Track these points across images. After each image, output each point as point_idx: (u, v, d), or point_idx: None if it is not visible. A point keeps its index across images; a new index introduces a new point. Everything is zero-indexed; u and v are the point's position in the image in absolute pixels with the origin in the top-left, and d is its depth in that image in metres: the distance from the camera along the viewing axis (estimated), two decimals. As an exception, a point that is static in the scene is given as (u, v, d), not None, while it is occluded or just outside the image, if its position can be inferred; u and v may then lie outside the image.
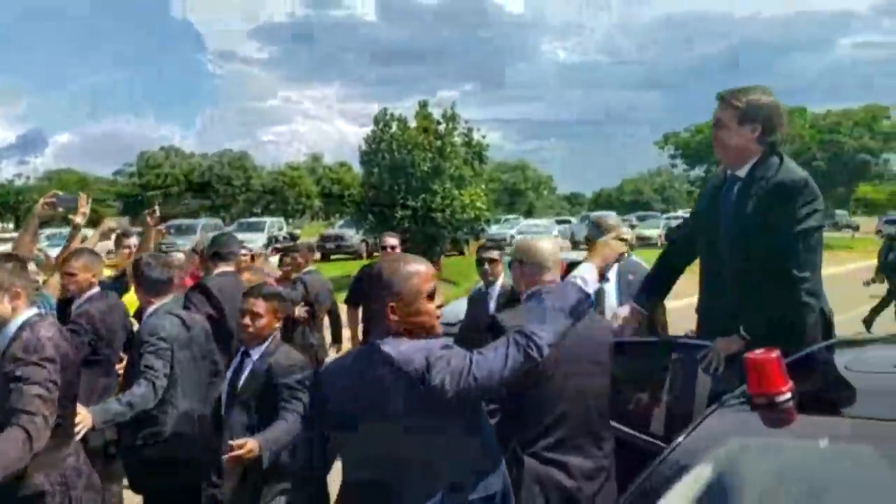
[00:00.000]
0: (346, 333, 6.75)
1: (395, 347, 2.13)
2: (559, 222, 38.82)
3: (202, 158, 59.52)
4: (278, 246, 17.20)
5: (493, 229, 27.46)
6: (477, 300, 5.03)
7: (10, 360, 2.54)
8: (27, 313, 2.69)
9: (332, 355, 6.18)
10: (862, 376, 2.09)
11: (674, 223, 29.08)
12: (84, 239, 4.90)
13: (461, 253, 23.02)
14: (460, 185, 19.44)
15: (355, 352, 2.44)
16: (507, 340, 2.12)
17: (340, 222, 31.03)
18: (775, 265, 2.82)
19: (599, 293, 4.14)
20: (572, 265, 4.06)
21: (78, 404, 2.92)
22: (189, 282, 5.50)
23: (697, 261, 3.29)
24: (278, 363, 3.35)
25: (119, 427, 3.54)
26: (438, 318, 2.25)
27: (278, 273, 6.79)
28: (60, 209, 4.06)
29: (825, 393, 2.17)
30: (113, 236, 5.69)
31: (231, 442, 3.10)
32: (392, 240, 5.95)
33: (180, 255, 6.99)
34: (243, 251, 6.33)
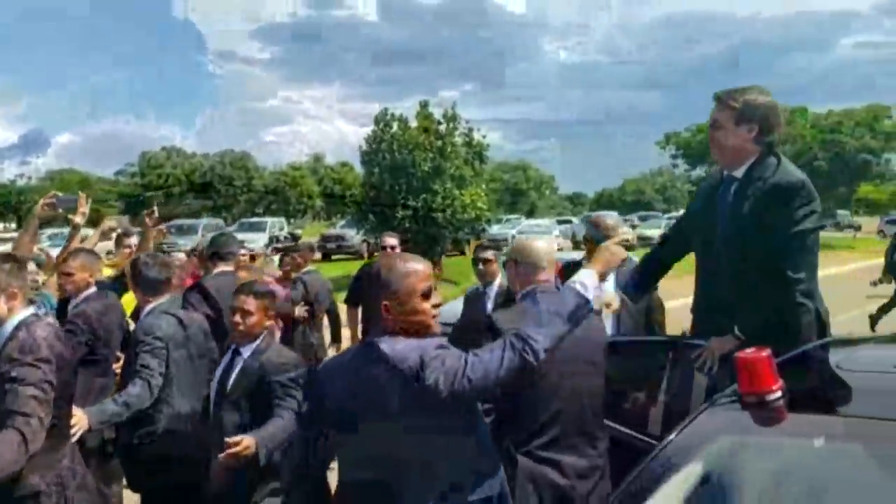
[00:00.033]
0: (345, 333, 6.78)
1: (391, 346, 2.14)
2: (560, 222, 38.79)
3: (204, 159, 59.53)
4: (278, 246, 17.23)
5: (495, 229, 27.47)
6: (473, 300, 5.04)
7: (6, 360, 2.54)
8: (23, 313, 2.69)
9: (331, 355, 6.19)
10: (853, 375, 2.10)
11: (675, 223, 28.96)
12: (84, 239, 4.92)
13: (462, 253, 23.02)
14: (461, 185, 19.45)
15: (353, 350, 2.45)
16: (503, 343, 2.12)
17: (342, 222, 31.04)
18: (771, 266, 2.82)
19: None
20: (568, 265, 4.11)
21: (74, 406, 2.92)
22: (189, 282, 5.52)
23: (694, 261, 3.30)
24: (270, 361, 3.34)
25: (116, 426, 3.55)
26: (434, 317, 2.25)
27: (277, 273, 6.81)
28: (60, 210, 4.08)
29: (816, 392, 2.18)
30: (113, 236, 5.71)
31: (228, 439, 3.09)
32: (392, 240, 5.96)
33: (181, 256, 7.02)
34: (242, 251, 6.35)
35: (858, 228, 47.32)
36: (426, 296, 2.23)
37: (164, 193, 53.05)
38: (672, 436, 1.97)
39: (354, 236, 25.20)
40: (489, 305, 4.73)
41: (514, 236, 27.81)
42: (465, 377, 2.03)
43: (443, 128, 19.87)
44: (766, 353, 1.92)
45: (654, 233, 31.19)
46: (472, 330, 4.60)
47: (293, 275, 6.50)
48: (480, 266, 5.00)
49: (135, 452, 3.55)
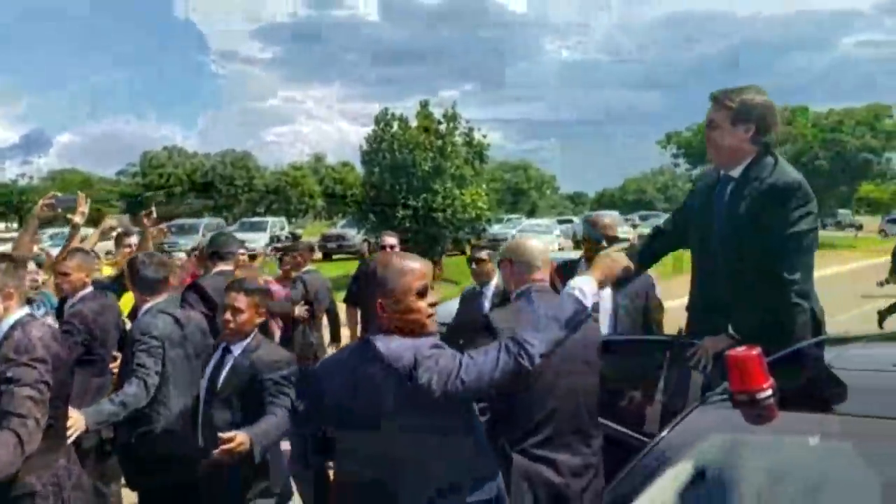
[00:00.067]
0: (344, 333, 6.79)
1: (386, 344, 2.14)
2: (561, 222, 38.73)
3: (205, 158, 59.49)
4: (278, 245, 17.25)
5: (495, 229, 27.47)
6: (469, 299, 5.04)
7: (2, 360, 2.53)
8: (19, 313, 2.68)
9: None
10: (844, 374, 2.12)
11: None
12: (83, 239, 4.94)
13: (463, 253, 23.01)
14: (461, 185, 19.49)
15: (350, 347, 2.44)
16: (499, 345, 2.11)
17: (342, 222, 31.07)
18: (767, 267, 2.82)
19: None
20: (563, 265, 4.12)
21: (71, 407, 2.92)
22: (189, 282, 5.55)
23: (689, 261, 3.30)
24: (261, 359, 3.32)
25: (115, 425, 3.55)
26: (430, 316, 2.25)
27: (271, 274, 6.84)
28: (59, 210, 4.09)
29: (807, 390, 2.20)
30: (113, 235, 5.73)
31: (221, 434, 3.06)
32: (391, 239, 5.97)
33: (182, 255, 7.04)
34: (241, 251, 6.37)
35: (860, 228, 47.29)
36: (422, 294, 2.22)
37: (165, 193, 53.10)
38: (663, 434, 1.99)
39: (355, 236, 25.22)
40: (486, 305, 4.73)
41: (514, 236, 27.80)
42: (459, 378, 2.03)
43: (443, 127, 19.90)
44: (756, 351, 1.94)
45: (657, 232, 31.15)
46: (467, 329, 4.62)
47: (293, 274, 6.52)
48: (475, 266, 5.01)
49: (133, 451, 3.56)
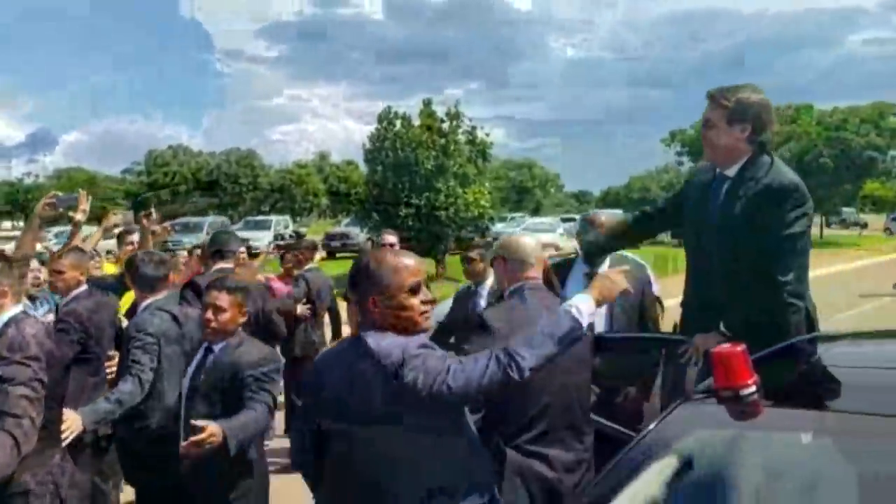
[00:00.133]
0: (346, 331, 6.81)
1: (378, 341, 2.14)
2: (565, 220, 38.70)
3: (210, 157, 59.60)
4: (280, 243, 17.29)
5: (499, 227, 27.49)
6: (463, 298, 5.03)
7: None
8: (13, 311, 2.66)
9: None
10: (830, 371, 2.14)
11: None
12: (86, 237, 4.97)
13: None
14: (464, 184, 19.50)
15: (345, 342, 2.43)
16: (490, 355, 2.11)
17: (346, 220, 31.11)
18: (761, 267, 2.82)
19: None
20: (557, 265, 4.15)
21: (68, 408, 2.92)
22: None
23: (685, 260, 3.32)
24: (243, 356, 3.28)
25: (113, 422, 3.56)
26: (423, 314, 2.23)
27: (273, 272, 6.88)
28: (61, 209, 4.11)
29: (792, 386, 2.22)
30: (116, 232, 5.76)
31: (193, 422, 3.00)
32: (391, 237, 5.99)
33: (183, 253, 7.08)
34: (241, 249, 6.41)
35: (865, 226, 47.19)
36: (414, 291, 2.21)
37: (170, 191, 53.21)
38: (648, 429, 2.01)
39: (359, 234, 25.24)
40: (481, 304, 4.69)
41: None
42: (446, 383, 2.03)
43: (446, 126, 19.91)
44: (740, 348, 1.96)
45: (659, 230, 31.12)
46: (457, 328, 4.63)
47: (295, 272, 6.56)
48: (467, 265, 5.02)
49: (130, 447, 3.59)
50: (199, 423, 2.99)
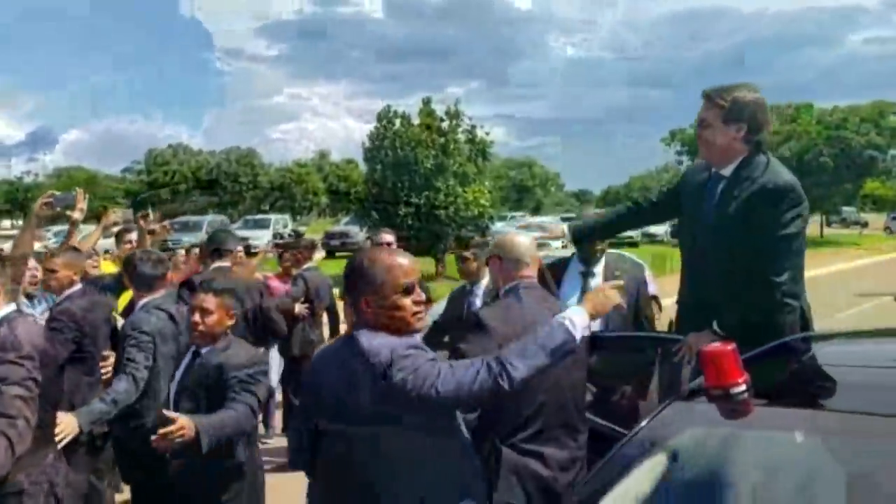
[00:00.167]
0: (344, 329, 6.83)
1: (370, 340, 2.13)
2: (565, 219, 38.73)
3: (210, 156, 59.62)
4: (279, 242, 17.31)
5: (498, 226, 27.52)
6: (458, 297, 5.02)
7: None
8: (5, 310, 2.62)
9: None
10: (821, 370, 2.15)
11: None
12: (85, 237, 4.98)
13: (467, 250, 23.01)
14: (464, 183, 19.52)
15: (340, 340, 2.42)
16: (481, 362, 2.10)
17: (346, 219, 31.12)
18: (755, 267, 2.82)
19: (586, 289, 4.18)
20: (552, 265, 4.16)
21: (63, 411, 2.90)
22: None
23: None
24: (230, 358, 3.24)
25: (109, 420, 3.54)
26: (415, 314, 2.22)
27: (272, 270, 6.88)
28: (58, 208, 4.11)
29: (782, 385, 2.24)
30: (114, 230, 5.77)
31: (165, 412, 2.97)
32: (388, 236, 5.97)
33: (181, 252, 7.09)
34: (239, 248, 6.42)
35: (865, 225, 47.19)
36: (407, 292, 2.19)
37: (170, 190, 53.26)
38: (639, 427, 2.03)
39: (358, 233, 25.26)
40: (477, 303, 4.67)
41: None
42: (434, 387, 2.02)
43: (445, 125, 19.92)
44: (730, 347, 1.97)
45: (659, 229, 31.16)
46: (451, 326, 4.63)
47: (293, 271, 6.56)
48: (461, 264, 5.02)
49: (126, 445, 3.60)
50: (170, 414, 2.96)
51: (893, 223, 45.75)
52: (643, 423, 2.04)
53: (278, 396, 6.70)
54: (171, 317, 3.71)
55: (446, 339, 4.47)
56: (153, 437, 2.96)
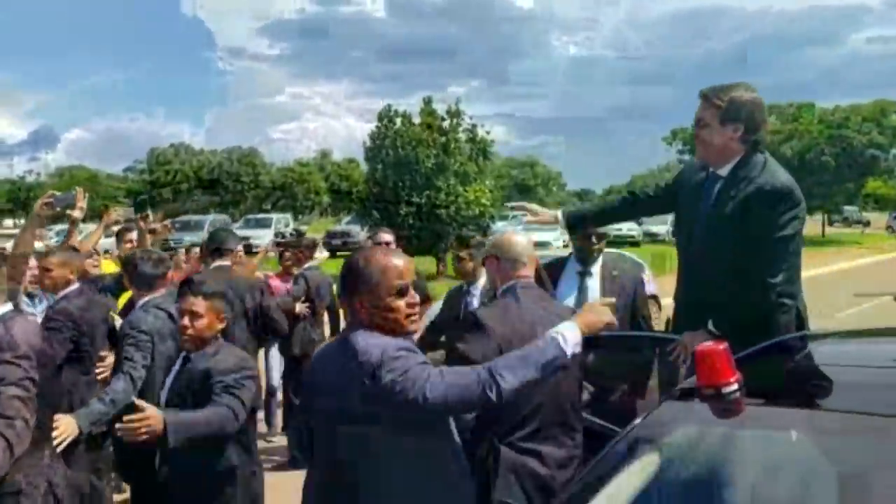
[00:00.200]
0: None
1: (364, 340, 2.13)
2: (566, 218, 38.66)
3: (211, 155, 59.72)
4: (279, 241, 17.33)
5: (499, 226, 27.52)
6: (454, 297, 5.01)
7: None
8: (2, 309, 2.59)
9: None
10: (813, 369, 2.17)
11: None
12: (87, 236, 5.00)
13: (468, 249, 23.00)
14: (465, 182, 19.52)
15: (337, 339, 2.42)
16: (472, 371, 2.10)
17: (347, 219, 31.15)
18: (752, 268, 2.83)
19: (583, 289, 4.21)
20: (549, 265, 4.17)
21: (62, 413, 2.89)
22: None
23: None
24: (219, 363, 3.15)
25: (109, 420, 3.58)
26: (408, 316, 2.22)
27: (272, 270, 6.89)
28: (58, 208, 4.12)
29: (775, 385, 2.25)
30: (115, 229, 5.79)
31: (136, 401, 2.90)
32: (387, 236, 5.97)
33: (181, 251, 7.12)
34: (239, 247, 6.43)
35: (867, 224, 47.13)
36: (402, 293, 2.19)
37: (172, 190, 53.37)
38: (631, 426, 2.04)
39: (360, 233, 25.26)
40: (474, 303, 4.64)
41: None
42: (422, 393, 2.02)
43: (446, 124, 19.93)
44: (723, 346, 1.98)
45: (660, 229, 31.10)
46: (446, 326, 4.63)
47: (294, 270, 6.58)
48: (458, 264, 5.01)
49: (126, 444, 3.60)
50: (140, 403, 2.89)
51: (895, 222, 45.68)
52: (635, 422, 2.05)
53: (279, 395, 6.73)
54: (171, 316, 3.70)
55: (443, 339, 4.47)
56: (116, 426, 2.89)
